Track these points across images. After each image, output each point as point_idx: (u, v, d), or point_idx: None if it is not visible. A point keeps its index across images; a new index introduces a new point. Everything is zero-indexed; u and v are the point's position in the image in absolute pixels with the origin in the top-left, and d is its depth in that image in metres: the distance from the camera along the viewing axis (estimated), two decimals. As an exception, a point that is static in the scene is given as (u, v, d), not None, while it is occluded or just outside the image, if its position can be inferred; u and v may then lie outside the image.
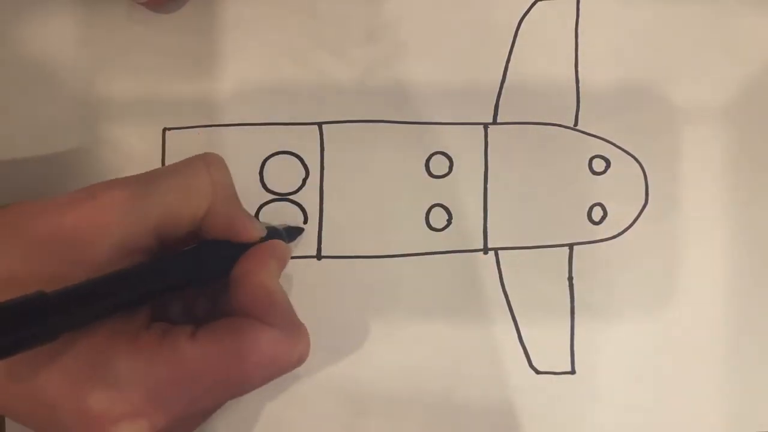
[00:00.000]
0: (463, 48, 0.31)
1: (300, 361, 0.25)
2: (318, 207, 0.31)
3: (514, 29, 0.31)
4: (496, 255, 0.31)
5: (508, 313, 0.31)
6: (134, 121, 0.31)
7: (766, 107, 0.32)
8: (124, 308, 0.23)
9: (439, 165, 0.31)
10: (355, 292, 0.31)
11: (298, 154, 0.31)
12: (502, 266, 0.31)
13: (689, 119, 0.31)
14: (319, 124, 0.31)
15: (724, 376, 0.31)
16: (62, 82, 0.30)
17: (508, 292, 0.31)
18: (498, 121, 0.31)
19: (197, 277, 0.25)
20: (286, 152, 0.31)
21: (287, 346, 0.25)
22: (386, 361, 0.31)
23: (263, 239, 0.27)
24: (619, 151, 0.31)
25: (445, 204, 0.31)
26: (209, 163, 0.26)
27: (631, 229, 0.31)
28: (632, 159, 0.31)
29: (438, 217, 0.31)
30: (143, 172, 0.25)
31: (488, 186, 0.31)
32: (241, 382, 0.24)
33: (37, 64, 0.30)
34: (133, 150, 0.30)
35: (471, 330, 0.31)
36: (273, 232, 0.28)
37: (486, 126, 0.31)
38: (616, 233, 0.31)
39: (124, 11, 0.30)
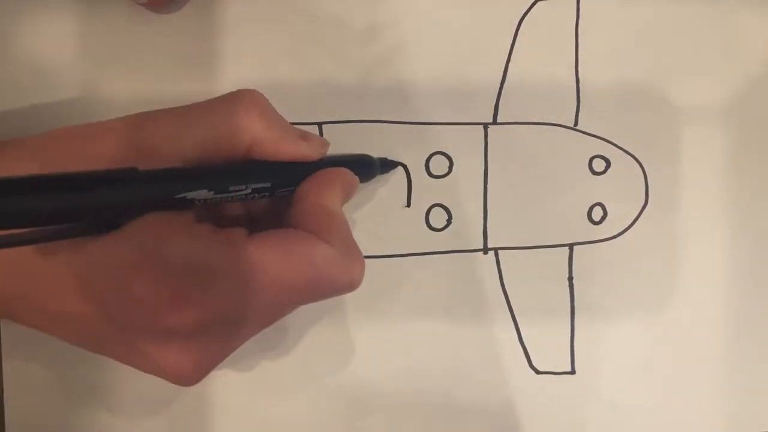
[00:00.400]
0: (463, 48, 0.31)
1: (351, 285, 0.25)
2: (318, 207, 0.31)
3: (514, 29, 0.31)
4: (496, 255, 0.31)
5: (508, 313, 0.31)
6: (134, 122, 0.30)
7: (766, 107, 0.32)
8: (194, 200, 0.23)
9: (439, 165, 0.31)
10: (355, 292, 0.31)
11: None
12: (502, 266, 0.31)
13: (689, 119, 0.31)
14: (319, 124, 0.31)
15: (724, 376, 0.31)
16: (62, 82, 0.30)
17: (508, 292, 0.31)
18: (498, 121, 0.31)
19: (274, 186, 0.25)
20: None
21: (340, 266, 0.24)
22: (386, 361, 0.31)
23: (351, 165, 0.27)
24: (619, 151, 0.31)
25: (445, 204, 0.31)
26: (245, 101, 0.25)
27: (631, 229, 0.31)
28: (632, 159, 0.31)
29: (438, 217, 0.31)
30: (184, 105, 0.25)
31: (488, 186, 0.31)
32: (292, 291, 0.24)
33: (37, 64, 0.30)
34: (133, 150, 0.30)
35: (471, 330, 0.31)
36: (358, 158, 0.29)
37: (486, 126, 0.31)
38: (616, 233, 0.31)
39: (124, 12, 0.30)
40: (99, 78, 0.30)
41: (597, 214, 0.31)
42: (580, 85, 0.31)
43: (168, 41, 0.31)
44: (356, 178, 0.28)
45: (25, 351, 0.30)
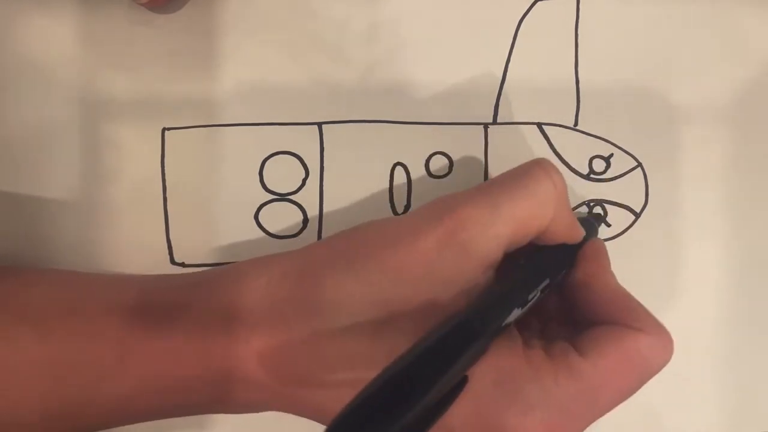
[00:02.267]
0: (463, 48, 0.31)
1: (670, 358, 0.25)
2: (318, 207, 0.31)
3: (514, 29, 0.31)
4: (496, 255, 0.31)
5: (508, 313, 0.31)
6: (134, 121, 0.31)
7: (766, 107, 0.32)
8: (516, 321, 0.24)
9: (439, 165, 0.31)
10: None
11: (298, 154, 0.31)
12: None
13: (689, 119, 0.31)
14: (319, 124, 0.31)
15: (724, 376, 0.31)
16: (62, 82, 0.30)
17: (508, 292, 0.31)
18: (498, 121, 0.31)
19: (552, 279, 0.25)
20: (286, 152, 0.31)
21: (661, 348, 0.25)
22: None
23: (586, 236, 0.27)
24: (619, 151, 0.31)
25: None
26: (548, 168, 0.25)
27: (631, 229, 0.31)
28: (632, 159, 0.31)
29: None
30: (482, 184, 0.25)
31: (488, 186, 0.31)
32: (629, 390, 0.24)
33: (37, 64, 0.30)
34: (133, 150, 0.30)
35: (471, 330, 0.31)
36: (588, 224, 0.29)
37: (486, 126, 0.31)
38: (616, 233, 0.31)
39: (124, 11, 0.30)
40: (99, 78, 0.30)
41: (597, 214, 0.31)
42: (580, 85, 0.31)
43: (168, 41, 0.31)
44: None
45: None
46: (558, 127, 0.31)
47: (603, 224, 0.31)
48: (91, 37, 0.30)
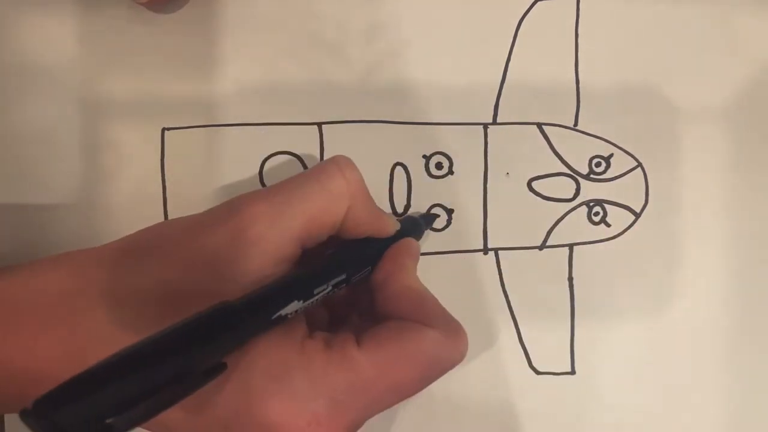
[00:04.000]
0: (463, 48, 0.31)
1: (461, 358, 0.25)
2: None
3: (514, 29, 0.31)
4: (496, 255, 0.31)
5: (508, 313, 0.31)
6: (134, 121, 0.31)
7: (766, 107, 0.32)
8: (295, 311, 0.23)
9: (439, 165, 0.31)
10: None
11: (298, 154, 0.31)
12: (502, 266, 0.31)
13: (689, 119, 0.31)
14: (319, 124, 0.31)
15: (724, 376, 0.31)
16: (62, 82, 0.30)
17: (508, 292, 0.31)
18: (498, 121, 0.31)
19: (350, 275, 0.26)
20: (286, 152, 0.31)
21: (450, 346, 0.25)
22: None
23: (399, 232, 0.28)
24: (620, 151, 0.31)
25: (445, 204, 0.31)
26: (342, 165, 0.25)
27: (631, 229, 0.31)
28: (632, 159, 0.31)
29: (438, 217, 0.31)
30: (277, 183, 0.25)
31: (488, 186, 0.31)
32: (410, 386, 0.24)
33: (37, 64, 0.30)
34: (133, 150, 0.30)
35: (471, 330, 0.31)
36: (410, 222, 0.29)
37: (486, 126, 0.31)
38: (616, 233, 0.31)
39: (124, 12, 0.30)
40: (99, 78, 0.30)
41: (597, 214, 0.31)
42: (580, 85, 0.31)
43: (168, 41, 0.31)
44: (418, 243, 0.28)
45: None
46: (558, 127, 0.31)
47: (603, 224, 0.31)
48: (91, 37, 0.30)
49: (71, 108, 0.30)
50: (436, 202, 0.31)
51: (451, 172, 0.31)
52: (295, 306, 0.23)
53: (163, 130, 0.31)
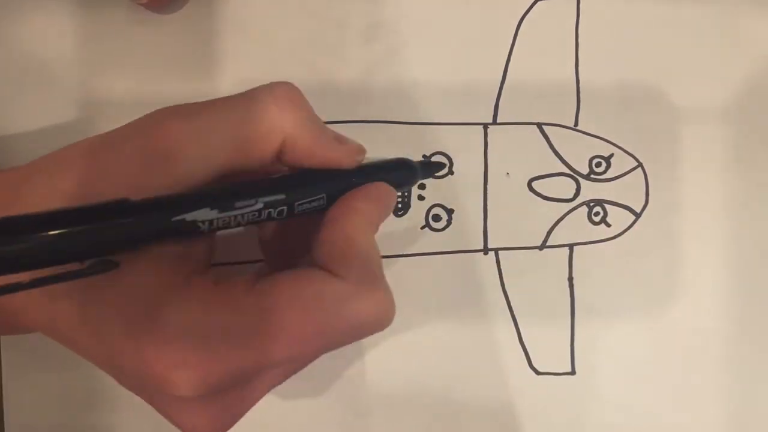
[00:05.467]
0: (463, 48, 0.31)
1: (379, 323, 0.22)
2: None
3: (514, 29, 0.31)
4: (496, 255, 0.31)
5: (508, 313, 0.31)
6: (134, 121, 0.30)
7: (766, 107, 0.32)
8: (198, 233, 0.21)
9: (439, 165, 0.31)
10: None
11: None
12: (502, 266, 0.31)
13: (689, 119, 0.31)
14: (319, 124, 0.31)
15: (724, 376, 0.31)
16: (62, 82, 0.30)
17: (508, 293, 0.31)
18: (498, 121, 0.31)
19: (292, 197, 0.23)
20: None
21: (359, 303, 0.22)
22: (386, 361, 0.31)
23: (388, 173, 0.25)
24: (620, 151, 0.31)
25: (445, 204, 0.31)
26: (277, 94, 0.23)
27: (631, 229, 0.31)
28: (632, 159, 0.31)
29: (438, 217, 0.31)
30: (207, 101, 0.23)
31: (488, 186, 0.31)
32: (305, 340, 0.21)
33: (37, 64, 0.30)
34: (133, 150, 0.30)
35: (471, 330, 0.31)
36: (397, 164, 0.26)
37: (486, 126, 0.31)
38: (616, 233, 0.31)
39: (124, 12, 0.30)
40: (99, 78, 0.30)
41: (597, 214, 0.31)
42: (580, 85, 0.31)
43: (168, 41, 0.31)
44: (393, 191, 0.25)
45: (24, 353, 0.30)
46: (558, 127, 0.31)
47: (604, 224, 0.31)
48: (91, 37, 0.30)
49: (71, 108, 0.30)
50: (436, 202, 0.31)
51: (451, 172, 0.31)
52: (206, 214, 0.21)
53: (163, 130, 0.30)
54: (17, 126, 0.30)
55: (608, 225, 0.31)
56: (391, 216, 0.31)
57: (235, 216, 0.22)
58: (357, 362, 0.31)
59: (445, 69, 0.31)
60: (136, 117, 0.30)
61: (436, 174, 0.30)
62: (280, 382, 0.24)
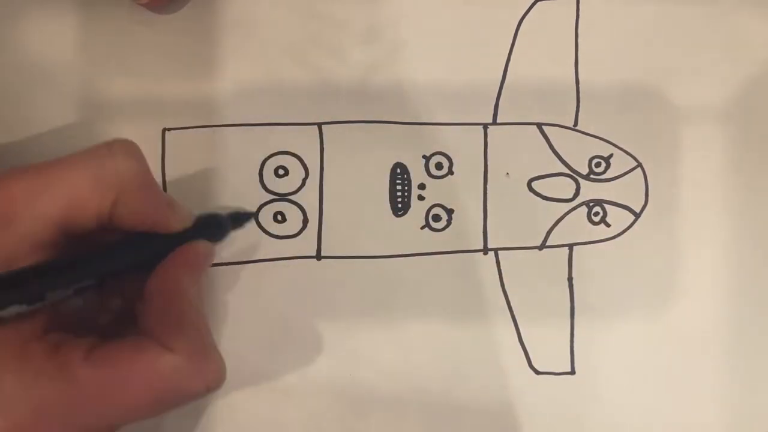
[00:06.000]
0: (463, 48, 0.31)
1: (209, 389, 0.24)
2: (318, 207, 0.31)
3: (514, 29, 0.31)
4: (496, 255, 0.31)
5: (508, 313, 0.31)
6: (134, 122, 0.31)
7: (766, 107, 0.32)
8: (30, 300, 0.22)
9: (439, 165, 0.31)
10: (355, 292, 0.31)
11: (298, 154, 0.31)
12: (502, 266, 0.31)
13: (689, 119, 0.31)
14: (319, 125, 0.31)
15: (725, 376, 0.31)
16: (62, 83, 0.30)
17: (508, 293, 0.31)
18: (498, 121, 0.31)
19: (107, 275, 0.24)
20: (286, 152, 0.31)
21: (189, 376, 0.23)
22: (386, 361, 0.31)
23: (200, 230, 0.26)
24: (619, 151, 0.31)
25: (445, 204, 0.31)
26: (114, 151, 0.24)
27: (631, 229, 0.31)
28: (632, 159, 0.31)
29: (438, 217, 0.31)
30: (45, 161, 0.24)
31: (488, 186, 0.31)
32: (135, 408, 0.23)
33: (37, 65, 0.30)
34: (133, 150, 0.30)
35: (471, 330, 0.31)
36: (210, 220, 0.27)
37: (486, 126, 0.31)
38: (616, 233, 0.31)
39: (124, 12, 0.30)
40: (99, 78, 0.30)
41: (597, 214, 0.31)
42: (580, 85, 0.31)
43: (168, 41, 0.31)
44: (211, 246, 0.26)
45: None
46: (558, 127, 0.31)
47: (603, 224, 0.31)
48: (91, 37, 0.30)
49: (71, 108, 0.30)
50: (436, 202, 0.31)
51: (451, 172, 0.31)
52: (15, 309, 0.22)
53: (164, 130, 0.31)
54: (17, 126, 0.30)
55: (608, 225, 0.31)
56: (391, 216, 0.31)
57: (45, 304, 0.22)
58: (357, 362, 0.31)
59: (445, 69, 0.31)
60: (136, 117, 0.31)
61: (244, 224, 0.29)
62: None
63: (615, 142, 0.31)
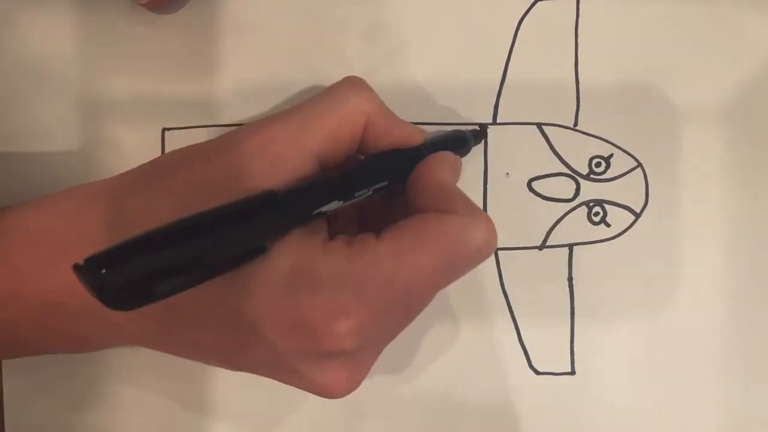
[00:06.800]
0: (463, 48, 0.31)
1: (488, 245, 0.24)
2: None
3: (514, 29, 0.31)
4: (496, 255, 0.31)
5: (508, 313, 0.31)
6: (134, 121, 0.31)
7: (766, 107, 0.32)
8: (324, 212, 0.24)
9: (439, 165, 0.31)
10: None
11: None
12: (502, 266, 0.31)
13: (689, 119, 0.31)
14: (319, 124, 0.31)
15: (724, 376, 0.31)
16: (62, 82, 0.30)
17: (508, 293, 0.31)
18: (498, 121, 0.31)
19: (390, 182, 0.26)
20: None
21: (470, 229, 0.24)
22: (386, 361, 0.31)
23: (443, 146, 0.27)
24: (619, 151, 0.31)
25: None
26: (355, 85, 0.26)
27: (631, 229, 0.31)
28: (632, 159, 0.31)
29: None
30: (294, 107, 0.26)
31: (488, 186, 0.31)
32: (436, 273, 0.23)
33: (36, 64, 0.30)
34: (133, 150, 0.30)
35: (471, 330, 0.31)
36: (455, 135, 0.29)
37: (485, 126, 0.31)
38: (616, 233, 0.31)
39: (124, 12, 0.30)
40: (99, 78, 0.30)
41: (597, 214, 0.31)
42: (580, 85, 0.31)
43: (168, 41, 0.31)
44: (458, 158, 0.28)
45: (24, 351, 0.30)
46: (558, 127, 0.31)
47: (603, 224, 0.31)
48: (91, 37, 0.30)
49: (71, 108, 0.30)
50: (436, 202, 0.31)
51: (451, 172, 0.31)
52: (335, 205, 0.24)
53: (163, 130, 0.31)
54: (17, 126, 0.30)
55: (608, 225, 0.31)
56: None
57: (352, 203, 0.25)
58: (357, 362, 0.31)
59: (445, 69, 0.31)
60: (136, 117, 0.31)
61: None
62: (397, 334, 0.26)
63: (615, 142, 0.31)
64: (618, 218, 0.31)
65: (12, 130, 0.30)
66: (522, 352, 0.31)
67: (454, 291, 0.31)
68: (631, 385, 0.31)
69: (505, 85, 0.31)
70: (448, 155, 0.27)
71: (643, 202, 0.31)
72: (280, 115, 0.25)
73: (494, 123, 0.31)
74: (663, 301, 0.31)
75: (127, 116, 0.31)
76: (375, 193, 0.25)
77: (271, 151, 0.24)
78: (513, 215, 0.31)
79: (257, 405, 0.31)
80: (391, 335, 0.26)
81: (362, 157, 0.27)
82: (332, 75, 0.31)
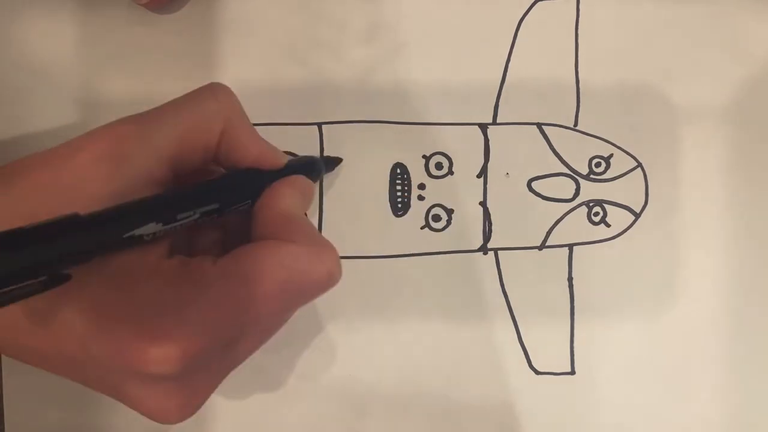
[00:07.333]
0: (463, 48, 0.31)
1: (330, 276, 0.24)
2: (318, 207, 0.31)
3: (514, 29, 0.31)
4: (496, 255, 0.31)
5: (508, 313, 0.31)
6: (134, 122, 0.30)
7: (766, 107, 0.32)
8: (150, 236, 0.23)
9: (439, 165, 0.31)
10: (355, 292, 0.31)
11: (298, 154, 0.31)
12: (502, 266, 0.31)
13: (689, 119, 0.31)
14: (319, 125, 0.31)
15: (724, 376, 0.31)
16: (62, 82, 0.30)
17: (508, 293, 0.31)
18: (498, 121, 0.31)
19: (224, 205, 0.25)
20: (286, 152, 0.31)
21: (310, 260, 0.23)
22: (386, 361, 0.31)
23: (296, 170, 0.27)
24: (619, 151, 0.31)
25: (444, 204, 0.31)
26: (216, 90, 0.25)
27: (631, 229, 0.31)
28: (632, 159, 0.31)
29: (438, 217, 0.31)
30: (151, 108, 0.25)
31: (488, 186, 0.31)
32: (268, 303, 0.23)
33: (36, 65, 0.30)
34: (133, 150, 0.30)
35: (471, 330, 0.31)
36: (306, 160, 0.28)
37: (486, 126, 0.31)
38: (616, 233, 0.31)
39: (124, 12, 0.30)
40: (99, 78, 0.30)
41: (597, 214, 0.31)
42: (580, 85, 0.31)
43: (168, 41, 0.31)
44: (311, 182, 0.27)
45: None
46: (558, 127, 0.31)
47: (603, 224, 0.31)
48: (91, 37, 0.30)
49: (71, 108, 0.30)
50: (436, 202, 0.31)
51: (451, 172, 0.31)
52: (152, 228, 0.22)
53: (163, 130, 0.31)
54: (17, 126, 0.30)
55: (608, 225, 0.31)
56: (391, 216, 0.31)
57: (175, 226, 0.23)
58: (357, 362, 0.31)
59: (445, 69, 0.31)
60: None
61: (334, 168, 0.31)
62: (245, 358, 0.25)
63: (615, 142, 0.31)
64: (618, 218, 0.31)
65: (11, 129, 0.30)
66: (522, 351, 0.31)
67: (454, 291, 0.31)
68: (630, 385, 0.31)
69: (505, 85, 0.31)
70: (299, 180, 0.26)
71: (643, 202, 0.31)
72: (135, 115, 0.24)
73: (494, 123, 0.31)
74: (663, 301, 0.31)
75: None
76: (205, 218, 0.24)
77: (118, 153, 0.23)
78: (513, 215, 0.31)
79: (257, 405, 0.31)
80: (234, 360, 0.25)
81: (222, 170, 0.27)
82: (332, 75, 0.31)
